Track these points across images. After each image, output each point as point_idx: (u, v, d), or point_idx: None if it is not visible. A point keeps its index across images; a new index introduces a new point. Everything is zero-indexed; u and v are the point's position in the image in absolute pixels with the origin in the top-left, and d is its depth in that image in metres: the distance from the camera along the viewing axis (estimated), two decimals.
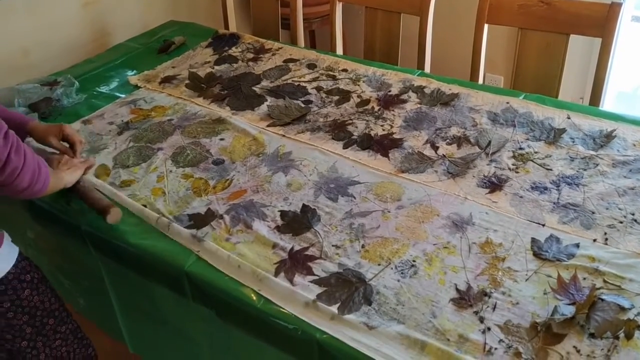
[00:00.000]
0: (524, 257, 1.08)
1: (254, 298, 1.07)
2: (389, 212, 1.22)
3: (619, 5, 1.55)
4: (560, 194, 1.21)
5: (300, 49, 1.97)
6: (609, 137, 1.35)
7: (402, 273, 1.07)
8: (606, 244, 1.08)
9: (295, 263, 1.12)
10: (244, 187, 1.34)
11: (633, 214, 1.14)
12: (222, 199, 1.31)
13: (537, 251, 1.08)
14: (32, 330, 1.26)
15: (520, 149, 1.36)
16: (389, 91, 1.64)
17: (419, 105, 1.56)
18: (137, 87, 1.84)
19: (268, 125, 1.56)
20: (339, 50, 2.08)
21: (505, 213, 1.18)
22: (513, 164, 1.31)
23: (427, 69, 1.89)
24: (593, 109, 1.48)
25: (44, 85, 1.79)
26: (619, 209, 1.15)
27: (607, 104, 1.98)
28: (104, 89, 1.84)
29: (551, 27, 1.65)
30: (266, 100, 1.67)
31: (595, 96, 1.62)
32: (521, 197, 1.22)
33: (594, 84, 1.62)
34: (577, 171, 1.27)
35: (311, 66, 1.83)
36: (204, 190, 1.35)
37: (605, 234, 1.10)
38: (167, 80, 1.84)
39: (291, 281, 1.08)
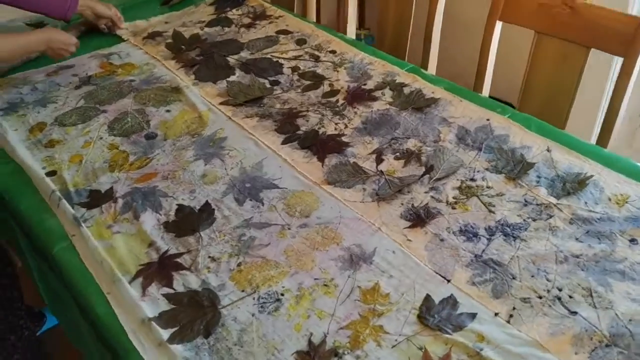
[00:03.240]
0: (404, 317, 0.90)
1: (94, 303, 0.96)
2: (289, 229, 1.07)
3: None
4: (488, 246, 1.00)
5: (300, 20, 1.80)
6: (582, 183, 1.10)
7: (262, 306, 0.93)
8: (509, 322, 0.88)
9: (160, 270, 1.01)
10: (158, 170, 1.23)
11: (560, 290, 0.92)
12: (130, 179, 1.21)
13: (424, 313, 0.90)
14: None
15: (472, 179, 1.14)
16: (364, 84, 1.45)
17: (388, 106, 1.36)
18: (121, 39, 1.76)
19: (221, 103, 1.42)
20: (351, 28, 1.89)
21: (414, 256, 0.99)
22: (454, 197, 1.10)
23: (432, 65, 1.67)
24: (583, 144, 1.22)
25: (30, 25, 1.76)
26: (547, 279, 0.94)
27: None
28: (89, 36, 1.77)
29: (571, 35, 1.37)
30: (234, 74, 1.53)
31: (608, 123, 1.35)
32: (442, 240, 1.02)
33: (608, 110, 1.34)
34: (524, 220, 1.04)
35: (300, 42, 1.66)
36: (120, 165, 1.25)
37: (514, 308, 0.90)
38: (152, 36, 1.75)
39: (144, 290, 0.97)
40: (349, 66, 1.53)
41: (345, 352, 0.85)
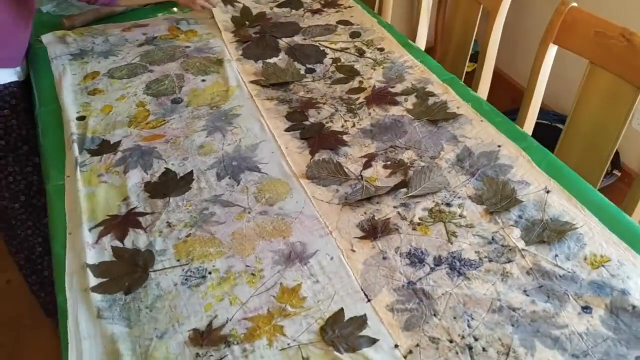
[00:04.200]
0: (308, 325, 0.87)
1: (56, 240, 1.04)
2: (249, 213, 1.07)
3: None
4: (427, 275, 0.93)
5: (366, 13, 1.75)
6: (563, 233, 0.98)
7: (186, 279, 0.95)
8: (405, 357, 0.82)
9: (122, 224, 1.06)
10: (166, 133, 1.28)
11: (476, 340, 0.83)
12: (139, 137, 1.27)
13: (327, 325, 0.87)
14: (4, 145, 1.43)
15: (448, 204, 1.06)
16: (393, 87, 1.39)
17: (404, 113, 1.30)
18: None
19: (252, 81, 1.44)
20: (421, 33, 1.80)
21: (349, 267, 0.95)
22: (420, 218, 1.04)
23: (483, 81, 1.55)
24: (591, 191, 1.08)
25: None
26: (469, 325, 0.85)
27: None
28: None
29: (624, 72, 1.21)
30: (277, 56, 1.54)
31: None
32: (385, 258, 0.97)
33: None
34: (480, 258, 0.96)
35: (354, 34, 1.63)
36: (137, 122, 1.32)
37: (417, 345, 0.83)
38: (226, 2, 1.80)
39: (98, 239, 1.03)
40: (387, 66, 1.47)
41: (235, 342, 0.85)
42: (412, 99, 1.34)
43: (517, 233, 0.99)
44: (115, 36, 1.68)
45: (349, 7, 1.78)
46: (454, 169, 1.14)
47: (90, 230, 1.04)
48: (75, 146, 1.24)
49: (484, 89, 1.57)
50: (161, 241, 1.02)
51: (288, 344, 0.84)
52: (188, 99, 1.39)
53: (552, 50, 1.33)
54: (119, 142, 1.25)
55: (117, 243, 1.02)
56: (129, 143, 1.25)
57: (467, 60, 1.63)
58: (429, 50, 1.80)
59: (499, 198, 1.06)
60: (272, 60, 1.52)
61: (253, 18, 1.74)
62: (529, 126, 1.43)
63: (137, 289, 0.94)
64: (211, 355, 0.83)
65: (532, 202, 1.05)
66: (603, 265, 0.93)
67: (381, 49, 1.55)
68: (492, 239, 0.99)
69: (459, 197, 1.07)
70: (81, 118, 1.34)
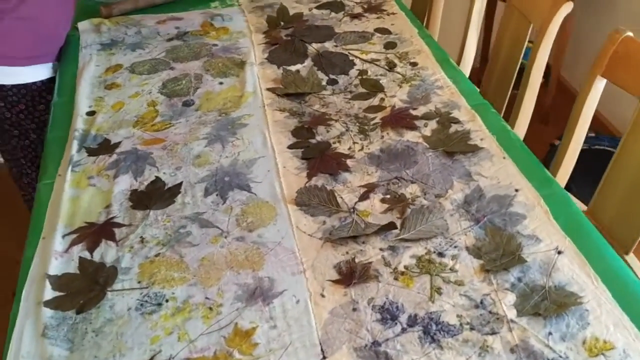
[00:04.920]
0: None
1: (29, 243, 1.00)
2: (225, 237, 0.99)
3: None
4: (395, 338, 0.82)
5: (409, 22, 1.62)
6: (564, 306, 0.84)
7: (142, 304, 0.89)
8: None
9: (96, 233, 1.01)
10: (167, 138, 1.23)
11: None
12: (140, 139, 1.22)
13: None
14: (36, 138, 1.48)
15: (440, 254, 0.94)
16: (415, 108, 1.27)
17: (419, 140, 1.18)
18: (237, 2, 1.77)
19: (268, 89, 1.36)
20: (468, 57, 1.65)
21: (314, 315, 0.86)
22: (405, 267, 0.92)
23: (525, 107, 1.39)
24: (611, 255, 0.92)
25: None
26: None
27: None
28: None
29: None
30: (302, 63, 1.45)
31: None
32: (355, 309, 0.87)
33: None
34: (461, 324, 0.83)
35: (390, 45, 1.51)
36: (144, 123, 1.28)
37: None
38: (261, 7, 1.72)
39: (68, 248, 0.98)
40: (416, 84, 1.35)
41: None
42: (432, 124, 1.22)
43: (510, 299, 0.86)
44: (148, 28, 1.64)
45: (393, 13, 1.66)
46: (458, 212, 1.01)
47: (63, 237, 1.00)
48: (75, 144, 1.20)
49: (524, 118, 1.41)
50: (129, 258, 0.96)
51: None
52: (200, 102, 1.33)
53: (600, 84, 1.16)
54: (119, 143, 1.21)
55: (86, 254, 0.97)
56: (128, 145, 1.20)
57: (512, 83, 1.47)
58: (477, 70, 1.64)
59: (500, 253, 0.93)
60: (295, 68, 1.43)
61: (288, 19, 1.65)
62: (565, 170, 1.26)
63: (90, 308, 0.88)
64: None
65: (538, 263, 0.91)
66: (603, 354, 0.78)
67: (414, 64, 1.42)
68: (481, 303, 0.86)
69: (455, 247, 0.95)
70: (91, 113, 1.31)
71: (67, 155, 1.18)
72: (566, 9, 1.25)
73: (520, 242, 0.94)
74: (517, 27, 1.43)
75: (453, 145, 1.15)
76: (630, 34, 1.10)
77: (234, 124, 1.25)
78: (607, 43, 1.13)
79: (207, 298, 0.89)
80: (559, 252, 0.92)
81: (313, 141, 1.19)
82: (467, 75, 1.71)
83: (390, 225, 0.97)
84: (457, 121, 1.22)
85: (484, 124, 1.21)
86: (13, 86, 1.43)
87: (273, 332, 0.84)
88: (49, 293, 0.90)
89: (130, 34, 1.62)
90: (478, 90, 1.34)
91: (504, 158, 1.12)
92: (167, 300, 0.89)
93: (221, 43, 1.56)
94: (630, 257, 1.16)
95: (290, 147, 1.18)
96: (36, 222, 1.04)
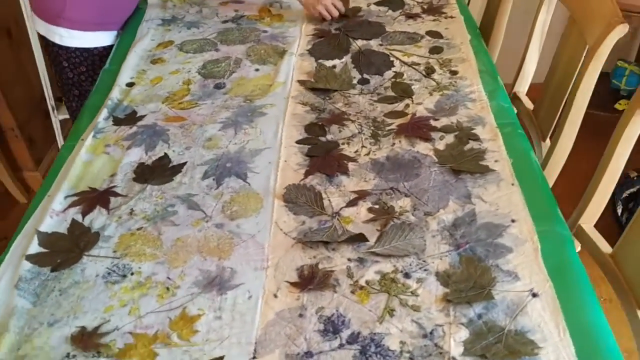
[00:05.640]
0: None
1: (37, 197, 1.07)
2: (207, 222, 1.01)
3: None
4: (330, 352, 0.79)
5: (464, 27, 1.53)
6: (516, 354, 0.76)
7: (109, 273, 0.92)
8: None
9: (94, 199, 1.06)
10: (189, 117, 1.26)
11: None
12: (164, 115, 1.27)
13: None
14: None
15: (406, 275, 0.89)
16: (437, 119, 1.20)
17: (429, 153, 1.12)
18: None
19: (300, 80, 1.35)
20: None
21: (260, 314, 0.85)
22: (367, 282, 0.88)
23: (568, 131, 1.27)
24: (593, 306, 0.83)
25: None
26: None
27: None
28: None
29: None
30: (341, 59, 1.43)
31: None
32: (301, 315, 0.84)
33: None
34: (401, 352, 0.79)
35: (435, 50, 1.44)
36: (173, 100, 1.32)
37: None
38: None
39: (65, 209, 1.04)
40: (448, 94, 1.28)
41: (105, 355, 0.81)
42: (449, 138, 1.15)
43: (462, 335, 0.80)
44: (210, 9, 1.68)
45: (451, 17, 1.58)
46: (441, 234, 0.95)
47: (65, 198, 1.06)
48: (105, 112, 1.27)
49: (566, 142, 1.29)
50: (114, 227, 1.00)
51: None
52: (231, 86, 1.35)
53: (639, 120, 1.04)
54: (144, 116, 1.26)
55: (79, 217, 1.03)
56: (151, 119, 1.25)
57: (563, 104, 1.35)
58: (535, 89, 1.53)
59: (469, 285, 0.86)
60: (332, 63, 1.41)
61: (345, 12, 1.62)
62: (594, 209, 1.15)
63: (64, 268, 0.93)
64: None
65: (507, 302, 0.84)
66: None
67: (454, 72, 1.35)
68: (430, 333, 0.81)
69: (425, 270, 0.89)
70: (130, 84, 1.37)
71: (94, 122, 1.24)
72: (620, 31, 1.12)
73: (495, 276, 0.87)
74: (575, 45, 1.31)
75: (463, 163, 1.08)
76: None
77: (254, 112, 1.26)
78: None
79: (168, 278, 0.91)
80: (534, 295, 0.84)
81: (323, 139, 1.17)
82: (526, 90, 1.60)
83: (360, 237, 0.93)
84: (476, 138, 1.14)
85: (505, 145, 1.12)
86: (77, 49, 1.53)
87: (216, 323, 0.84)
88: (34, 248, 0.96)
89: (191, 13, 1.67)
90: (514, 109, 1.24)
91: (512, 184, 1.03)
92: (132, 274, 0.92)
93: (271, 30, 1.57)
94: None
95: (298, 142, 1.17)
96: (48, 180, 1.11)
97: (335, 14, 1.58)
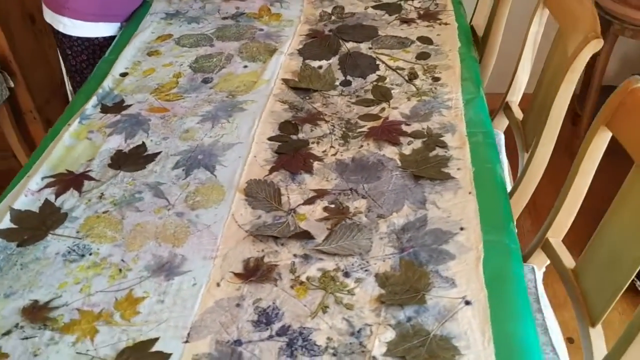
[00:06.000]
0: (117, 340, 0.83)
1: (12, 187, 1.12)
2: (169, 210, 1.05)
3: None
4: (258, 343, 0.82)
5: (457, 35, 1.53)
6: (436, 357, 0.78)
7: (69, 252, 0.97)
8: None
9: (69, 182, 1.11)
10: (172, 109, 1.30)
11: None
12: (149, 106, 1.31)
13: (131, 350, 0.82)
14: None
15: (346, 274, 0.91)
16: (409, 124, 1.21)
17: (394, 157, 1.13)
18: None
19: (284, 79, 1.38)
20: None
21: (200, 301, 0.88)
22: (308, 278, 0.91)
23: (542, 147, 1.26)
24: (525, 318, 0.83)
25: None
26: None
27: None
28: None
29: None
30: (328, 60, 1.45)
31: None
32: (238, 305, 0.87)
33: None
34: (326, 347, 0.81)
35: (422, 56, 1.44)
36: (160, 92, 1.36)
37: None
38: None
39: (41, 189, 1.10)
40: (426, 100, 1.28)
41: (51, 328, 0.85)
42: (417, 143, 1.16)
43: (388, 336, 0.82)
44: (212, 4, 1.72)
45: (445, 24, 1.57)
46: (389, 237, 0.97)
47: (42, 178, 1.12)
48: (95, 99, 1.32)
49: (542, 155, 1.28)
50: (82, 209, 1.05)
51: (87, 351, 0.82)
52: (218, 81, 1.39)
53: (604, 135, 1.03)
54: (130, 105, 1.31)
55: (52, 198, 1.08)
56: (136, 109, 1.29)
57: (547, 120, 1.33)
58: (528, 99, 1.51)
59: (405, 288, 0.88)
60: (319, 63, 1.43)
61: (341, 14, 1.64)
62: (559, 226, 1.14)
63: (29, 245, 0.99)
64: (24, 331, 0.85)
65: (438, 308, 0.85)
66: None
67: (436, 79, 1.35)
68: (358, 332, 0.83)
69: (366, 271, 0.91)
70: (123, 74, 1.42)
71: (83, 108, 1.29)
72: (594, 47, 1.10)
73: (431, 282, 0.88)
74: (560, 57, 1.29)
75: (425, 169, 1.09)
76: None
77: (234, 107, 1.29)
78: (617, 91, 0.99)
79: (122, 260, 0.95)
80: (467, 303, 0.85)
81: (294, 137, 1.19)
82: (519, 100, 1.59)
83: (306, 234, 0.96)
84: (443, 145, 1.15)
85: (471, 154, 1.12)
86: (79, 38, 1.59)
87: (158, 306, 0.88)
88: (5, 223, 1.02)
89: (194, 8, 1.71)
90: (490, 118, 1.24)
91: (470, 193, 1.04)
92: (90, 254, 0.97)
93: (267, 28, 1.60)
94: (597, 330, 1.03)
95: (270, 138, 1.19)
96: (30, 162, 1.17)
97: None
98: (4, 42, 2.15)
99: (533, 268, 1.23)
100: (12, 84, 2.21)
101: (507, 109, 1.58)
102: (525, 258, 1.25)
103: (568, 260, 1.15)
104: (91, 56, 1.60)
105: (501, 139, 1.62)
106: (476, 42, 1.71)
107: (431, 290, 0.87)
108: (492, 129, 1.21)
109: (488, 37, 1.66)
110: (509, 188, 1.38)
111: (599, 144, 1.04)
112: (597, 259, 1.06)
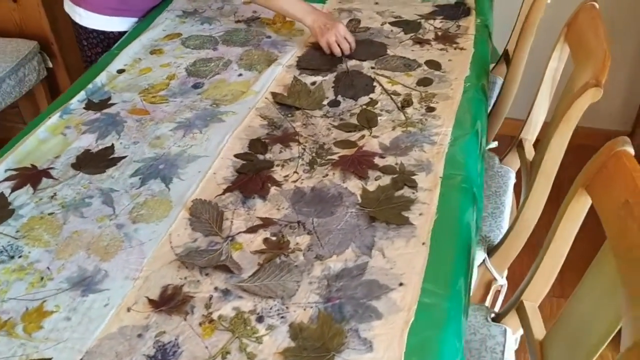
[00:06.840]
0: (11, 355, 0.80)
1: None
2: (111, 220, 1.01)
3: None
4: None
5: (469, 62, 1.40)
6: None
7: (2, 252, 0.95)
8: None
9: (29, 177, 1.10)
10: (152, 112, 1.26)
11: None
12: (133, 106, 1.28)
13: None
14: None
15: (260, 319, 0.83)
16: (383, 157, 1.11)
17: (356, 192, 1.03)
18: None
19: (273, 92, 1.31)
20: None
21: (105, 325, 0.84)
22: (220, 316, 0.84)
23: (534, 197, 1.13)
24: None
25: None
26: None
27: None
28: None
29: (626, 274, 0.75)
30: (324, 76, 1.36)
31: None
32: (139, 335, 0.82)
33: None
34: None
35: (424, 82, 1.33)
36: (148, 93, 1.33)
37: None
38: (342, 10, 1.64)
39: (14, 189, 1.07)
40: (411, 131, 1.17)
41: None
42: (385, 180, 1.06)
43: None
44: (231, 6, 1.67)
45: (461, 49, 1.44)
46: (319, 283, 0.88)
47: (6, 171, 1.11)
48: (83, 94, 1.30)
49: (534, 206, 1.14)
50: (31, 208, 1.03)
51: None
52: (207, 88, 1.33)
53: (584, 199, 0.89)
54: (114, 104, 1.28)
55: (7, 192, 1.06)
56: (117, 109, 1.26)
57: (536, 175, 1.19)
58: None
59: (315, 345, 0.79)
60: (314, 79, 1.34)
61: (356, 28, 1.54)
62: (537, 290, 1.01)
63: None
64: None
65: None
66: None
67: (430, 109, 1.23)
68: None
69: (282, 318, 0.83)
70: (120, 71, 1.39)
71: (68, 102, 1.28)
72: (592, 96, 0.96)
73: (346, 342, 0.79)
74: (565, 100, 1.15)
75: (383, 210, 0.99)
76: (627, 148, 0.81)
77: (213, 117, 1.23)
78: (601, 151, 0.85)
79: (48, 268, 0.92)
80: None
81: (261, 157, 1.12)
82: (534, 138, 1.44)
83: (224, 268, 0.89)
84: (413, 185, 1.04)
85: (439, 199, 1.01)
86: (94, 30, 1.58)
87: (62, 324, 0.84)
88: None
89: (213, 8, 1.67)
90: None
91: (423, 244, 0.93)
92: (20, 257, 0.94)
93: (275, 36, 1.53)
94: None
95: (236, 155, 1.13)
96: (2, 151, 1.16)
97: (347, 48, 1.40)
98: (47, 25, 2.20)
99: (505, 330, 1.10)
100: (50, 65, 2.27)
101: (520, 147, 1.44)
102: (500, 318, 1.12)
103: (539, 329, 1.02)
104: (106, 49, 1.59)
105: (510, 179, 1.47)
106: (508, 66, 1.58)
107: (343, 352, 0.78)
108: (474, 172, 1.09)
109: (511, 61, 1.52)
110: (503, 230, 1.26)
111: (577, 208, 0.91)
112: (564, 334, 0.93)
